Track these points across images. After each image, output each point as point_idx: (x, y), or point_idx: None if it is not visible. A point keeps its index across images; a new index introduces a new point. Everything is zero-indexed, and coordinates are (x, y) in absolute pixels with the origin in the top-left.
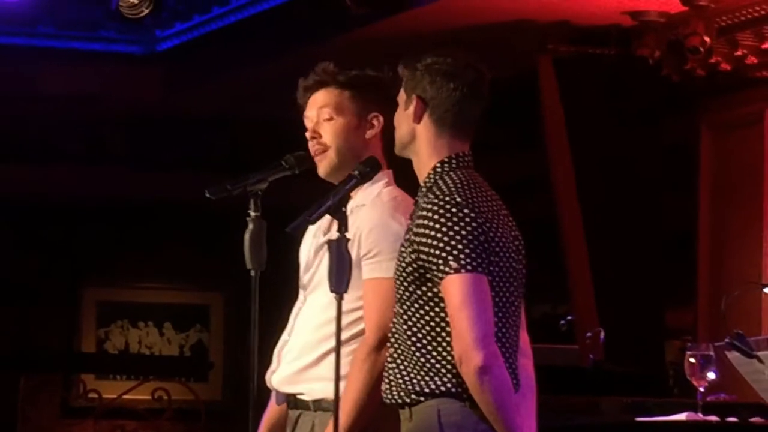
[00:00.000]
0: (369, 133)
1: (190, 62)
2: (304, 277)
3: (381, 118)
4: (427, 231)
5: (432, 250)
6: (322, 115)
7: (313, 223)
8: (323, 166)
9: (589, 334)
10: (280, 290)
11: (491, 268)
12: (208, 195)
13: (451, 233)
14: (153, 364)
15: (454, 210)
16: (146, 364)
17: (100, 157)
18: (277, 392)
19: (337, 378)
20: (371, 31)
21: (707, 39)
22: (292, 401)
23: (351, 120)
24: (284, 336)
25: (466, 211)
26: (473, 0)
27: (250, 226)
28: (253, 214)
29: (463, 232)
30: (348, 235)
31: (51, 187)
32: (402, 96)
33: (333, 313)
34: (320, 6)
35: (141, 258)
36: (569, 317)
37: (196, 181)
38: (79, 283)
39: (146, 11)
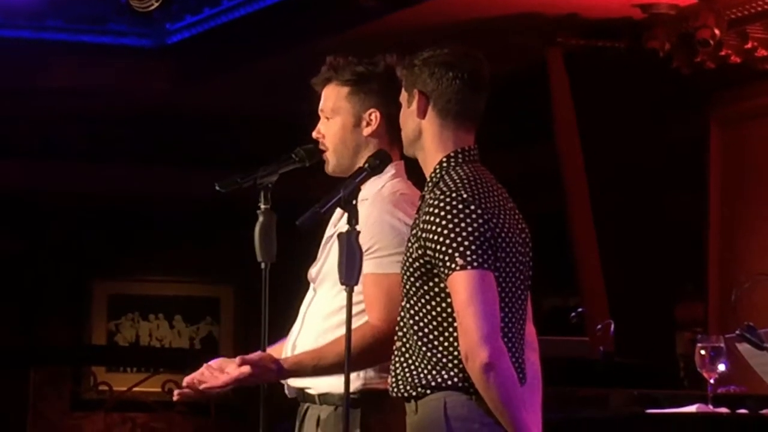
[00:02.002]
0: (367, 131)
1: (200, 55)
2: (312, 270)
3: (378, 114)
4: (433, 227)
5: (438, 246)
6: (324, 114)
7: (323, 216)
8: (327, 165)
9: (599, 326)
10: (291, 283)
11: (497, 264)
12: (218, 188)
13: (457, 229)
14: (163, 356)
15: (460, 206)
16: (156, 357)
17: (110, 151)
18: (288, 386)
19: (348, 369)
20: (381, 24)
21: (717, 32)
22: (301, 395)
23: (347, 119)
24: (295, 328)
25: (472, 207)
26: None
27: (261, 218)
28: (263, 206)
29: (470, 229)
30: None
31: (61, 181)
32: (404, 95)
33: (338, 305)
34: (330, 0)
35: (151, 251)
36: (579, 309)
37: (206, 175)
38: (90, 277)
39: (156, 4)
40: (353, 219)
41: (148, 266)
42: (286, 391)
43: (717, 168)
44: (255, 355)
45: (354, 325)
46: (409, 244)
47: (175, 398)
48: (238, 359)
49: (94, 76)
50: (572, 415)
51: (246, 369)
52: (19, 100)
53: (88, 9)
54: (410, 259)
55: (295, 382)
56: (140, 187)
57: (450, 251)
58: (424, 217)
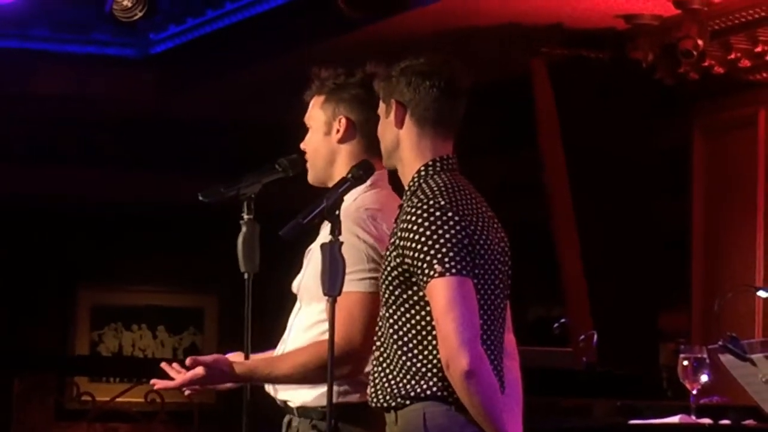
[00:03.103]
0: (336, 137)
1: (183, 65)
2: (294, 282)
3: (345, 120)
4: (411, 235)
5: (416, 254)
6: (307, 125)
7: (306, 226)
8: (308, 175)
9: (582, 336)
10: (275, 293)
11: (476, 271)
12: (201, 198)
13: (435, 237)
14: (146, 366)
15: (438, 213)
16: (139, 367)
17: (94, 160)
18: (276, 398)
19: (330, 382)
20: (365, 34)
21: (700, 42)
22: (285, 406)
23: (320, 128)
24: (283, 339)
25: (450, 214)
26: (467, 3)
27: (244, 229)
28: (246, 217)
29: (447, 236)
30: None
31: (45, 190)
32: (381, 107)
33: (311, 319)
34: (314, 9)
35: (135, 261)
36: (563, 320)
37: (190, 184)
38: (73, 286)
39: (140, 14)
40: (336, 230)
41: (131, 276)
42: (278, 402)
43: (700, 177)
44: (209, 357)
45: (320, 339)
46: (387, 253)
47: (155, 387)
48: (189, 360)
49: (80, 84)
50: (556, 426)
51: (199, 371)
52: (6, 106)
53: (72, 18)
54: (389, 268)
55: (279, 395)
56: (124, 195)
57: (428, 258)
58: (401, 225)
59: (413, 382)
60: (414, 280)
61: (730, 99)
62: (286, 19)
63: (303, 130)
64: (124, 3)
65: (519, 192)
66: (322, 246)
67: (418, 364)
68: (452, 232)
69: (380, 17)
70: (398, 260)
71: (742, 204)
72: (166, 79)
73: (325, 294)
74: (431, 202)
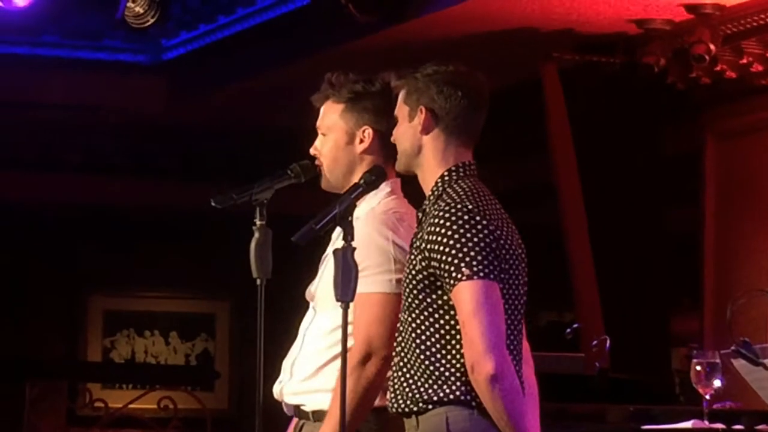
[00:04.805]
0: (360, 148)
1: (195, 71)
2: (309, 289)
3: (371, 131)
4: (438, 238)
5: (444, 257)
6: (321, 131)
7: (319, 232)
8: (322, 180)
9: (594, 342)
10: (287, 299)
11: (502, 276)
12: (213, 204)
13: (463, 240)
14: (159, 373)
15: (465, 217)
16: (152, 373)
17: (106, 166)
18: (285, 403)
19: (343, 388)
20: (376, 39)
21: (713, 47)
22: (298, 412)
23: (340, 137)
24: (294, 347)
25: (477, 218)
26: (478, 8)
27: (256, 234)
28: (258, 222)
29: (476, 239)
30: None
31: (57, 196)
32: (403, 109)
33: (330, 324)
34: (326, 15)
35: (147, 267)
36: (575, 325)
37: (202, 190)
38: (86, 292)
39: (152, 20)
40: (349, 235)
41: (143, 282)
42: (285, 409)
43: (712, 182)
44: None
45: (336, 350)
46: (412, 257)
47: None
48: None
49: (90, 91)
50: (569, 431)
51: None
52: (18, 113)
53: (84, 25)
54: (413, 272)
55: (290, 399)
56: (135, 201)
57: (456, 261)
58: (428, 229)
59: (435, 386)
60: (439, 283)
61: (743, 104)
62: (297, 25)
63: (315, 136)
64: (136, 9)
65: (530, 196)
66: (335, 252)
67: (441, 369)
68: (480, 236)
69: (391, 22)
70: (423, 264)
71: (755, 209)
72: (178, 85)
73: (337, 299)
74: (459, 206)
